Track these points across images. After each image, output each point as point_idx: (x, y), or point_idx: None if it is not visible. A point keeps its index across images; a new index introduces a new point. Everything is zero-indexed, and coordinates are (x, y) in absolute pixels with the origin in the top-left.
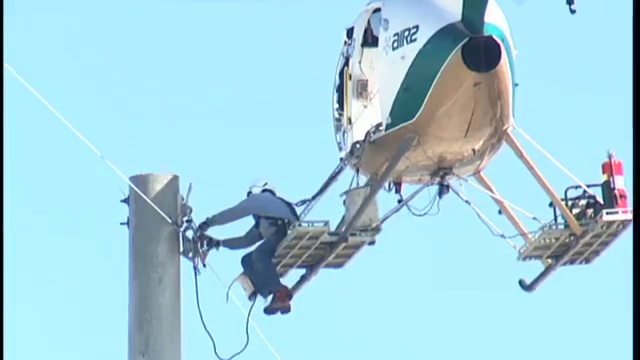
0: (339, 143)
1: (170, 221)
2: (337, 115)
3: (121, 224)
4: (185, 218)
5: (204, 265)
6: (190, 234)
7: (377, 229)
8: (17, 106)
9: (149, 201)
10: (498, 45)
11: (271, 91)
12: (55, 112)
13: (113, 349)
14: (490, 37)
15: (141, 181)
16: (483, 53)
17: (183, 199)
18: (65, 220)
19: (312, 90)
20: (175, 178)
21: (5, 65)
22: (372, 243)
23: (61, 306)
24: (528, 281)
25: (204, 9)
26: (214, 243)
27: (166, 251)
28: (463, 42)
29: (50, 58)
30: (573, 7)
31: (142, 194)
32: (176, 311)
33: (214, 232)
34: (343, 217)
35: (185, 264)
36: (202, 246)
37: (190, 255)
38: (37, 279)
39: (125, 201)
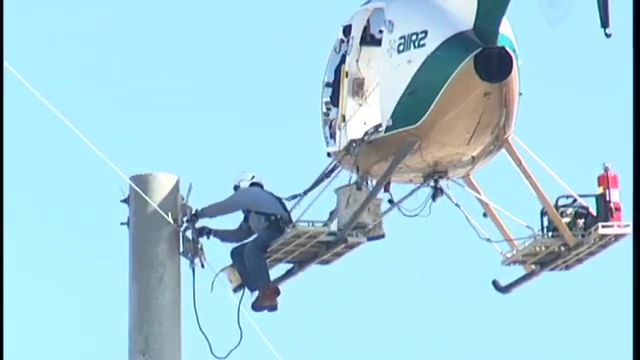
0: (326, 137)
1: (170, 221)
2: (325, 109)
3: (121, 224)
4: (185, 218)
5: (202, 266)
6: (190, 234)
7: (371, 229)
8: (17, 106)
9: (149, 201)
10: (510, 56)
11: (272, 91)
12: (55, 112)
13: (113, 349)
14: (503, 48)
15: (141, 181)
16: (496, 64)
17: (183, 199)
18: (65, 220)
19: (315, 89)
20: (175, 178)
21: (5, 65)
22: (382, 236)
23: (61, 306)
24: (503, 283)
25: (204, 9)
26: (205, 232)
27: (166, 251)
28: (476, 52)
29: (50, 58)
30: (608, 31)
31: (142, 194)
32: (176, 311)
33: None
34: (331, 212)
35: (185, 264)
36: (194, 238)
37: (190, 255)
38: (37, 279)
39: (125, 201)
